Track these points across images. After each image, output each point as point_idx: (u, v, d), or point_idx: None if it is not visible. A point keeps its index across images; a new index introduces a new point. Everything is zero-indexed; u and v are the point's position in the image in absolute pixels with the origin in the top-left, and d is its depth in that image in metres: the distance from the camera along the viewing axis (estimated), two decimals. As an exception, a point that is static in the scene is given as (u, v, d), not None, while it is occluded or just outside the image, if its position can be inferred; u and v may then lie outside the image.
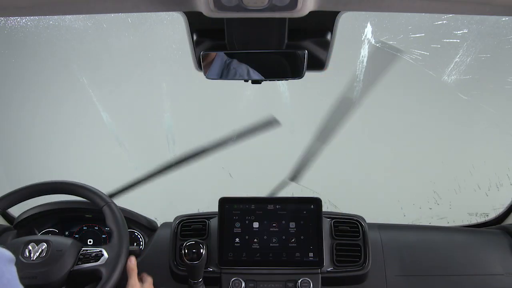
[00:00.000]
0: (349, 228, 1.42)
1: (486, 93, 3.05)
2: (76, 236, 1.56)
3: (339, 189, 2.77)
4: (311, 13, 0.81)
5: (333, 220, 1.43)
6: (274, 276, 1.34)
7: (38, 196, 1.33)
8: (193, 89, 2.85)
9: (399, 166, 3.02)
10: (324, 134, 1.62)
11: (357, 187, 2.96)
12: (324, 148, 1.65)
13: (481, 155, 3.01)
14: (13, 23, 3.03)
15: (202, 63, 1.05)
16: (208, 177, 2.92)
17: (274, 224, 1.39)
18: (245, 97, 2.90)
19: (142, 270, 1.42)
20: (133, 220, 1.49)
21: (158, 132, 3.14)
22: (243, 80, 1.10)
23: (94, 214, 1.50)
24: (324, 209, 1.41)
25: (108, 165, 3.04)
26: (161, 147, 3.08)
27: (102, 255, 1.21)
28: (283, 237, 1.38)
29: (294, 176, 1.64)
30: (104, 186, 1.39)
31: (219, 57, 1.03)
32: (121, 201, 1.49)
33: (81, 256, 1.21)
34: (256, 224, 1.39)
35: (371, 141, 3.04)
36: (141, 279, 1.23)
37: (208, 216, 1.47)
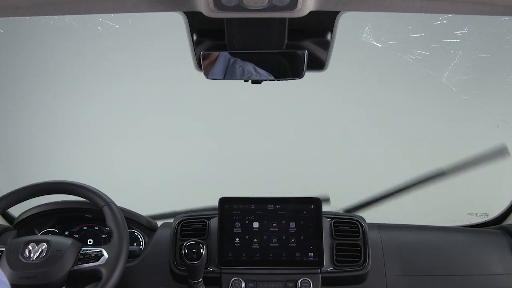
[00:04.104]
0: (349, 228, 1.42)
1: (486, 93, 3.05)
2: (76, 236, 1.56)
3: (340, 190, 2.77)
4: (311, 13, 0.81)
5: (333, 220, 1.43)
6: (274, 276, 1.34)
7: (38, 196, 1.33)
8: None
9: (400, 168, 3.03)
10: (404, 191, 1.65)
11: (358, 189, 2.96)
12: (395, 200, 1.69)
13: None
14: (14, 23, 3.03)
15: (202, 63, 1.05)
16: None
17: (274, 224, 1.39)
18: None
19: (142, 270, 1.42)
20: (133, 220, 1.49)
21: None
22: (243, 80, 1.10)
23: (94, 214, 1.50)
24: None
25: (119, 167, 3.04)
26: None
27: (102, 255, 1.21)
28: (283, 237, 1.38)
29: (356, 209, 1.65)
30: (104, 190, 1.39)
31: (222, 57, 1.03)
32: (120, 202, 1.49)
33: (81, 256, 1.22)
34: (256, 224, 1.39)
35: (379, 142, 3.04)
36: None
37: (208, 216, 1.47)
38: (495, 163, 1.65)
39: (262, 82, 1.10)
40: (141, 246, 1.53)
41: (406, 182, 1.69)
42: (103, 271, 1.17)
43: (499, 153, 1.63)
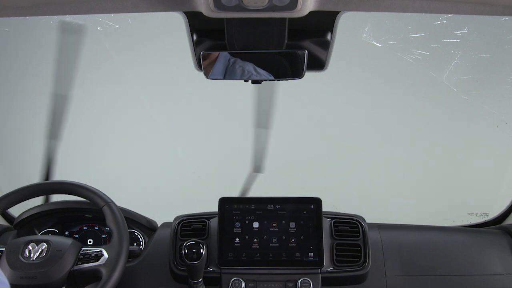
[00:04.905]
0: (349, 228, 1.42)
1: (486, 93, 3.05)
2: (76, 236, 1.56)
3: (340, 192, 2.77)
4: (311, 13, 0.81)
5: (333, 220, 1.43)
6: (274, 276, 1.34)
7: (38, 196, 1.33)
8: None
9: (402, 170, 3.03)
10: (262, 119, 1.62)
11: (358, 189, 2.96)
12: (267, 132, 1.64)
13: (480, 156, 3.01)
14: (14, 23, 3.03)
15: (202, 63, 1.05)
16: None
17: (274, 224, 1.39)
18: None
19: (142, 270, 1.42)
20: (133, 220, 1.49)
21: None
22: (243, 80, 1.10)
23: (94, 214, 1.50)
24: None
25: (111, 165, 3.05)
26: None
27: (102, 255, 1.21)
28: (283, 237, 1.38)
29: (257, 167, 1.63)
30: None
31: (222, 57, 1.03)
32: (120, 202, 1.49)
33: (81, 256, 1.22)
34: (256, 224, 1.39)
35: (380, 142, 3.04)
36: None
37: (208, 216, 1.47)
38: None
39: (262, 82, 1.10)
40: (141, 246, 1.53)
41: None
42: (103, 271, 1.17)
43: None
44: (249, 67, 1.05)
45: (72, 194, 1.33)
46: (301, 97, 3.00)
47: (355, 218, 1.45)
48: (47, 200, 1.57)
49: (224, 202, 1.41)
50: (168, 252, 1.41)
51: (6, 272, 1.14)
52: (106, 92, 3.13)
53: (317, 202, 1.40)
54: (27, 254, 1.17)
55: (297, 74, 1.06)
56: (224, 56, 1.03)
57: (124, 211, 1.43)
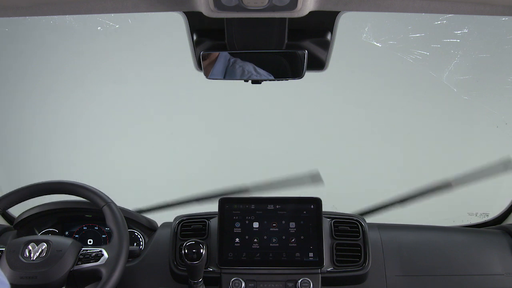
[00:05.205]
0: (349, 228, 1.42)
1: (486, 93, 3.05)
2: (76, 236, 1.56)
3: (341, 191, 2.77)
4: (311, 13, 0.81)
5: (333, 220, 1.43)
6: (274, 276, 1.34)
7: (38, 196, 1.33)
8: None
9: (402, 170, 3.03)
10: (461, 181, 1.63)
11: (358, 189, 2.96)
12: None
13: (480, 156, 3.01)
14: (14, 23, 3.03)
15: (202, 63, 1.05)
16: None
17: (274, 224, 1.39)
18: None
19: (142, 270, 1.42)
20: (133, 220, 1.49)
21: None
22: (243, 80, 1.10)
23: (94, 214, 1.50)
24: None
25: (109, 165, 3.05)
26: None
27: (102, 255, 1.21)
28: (283, 237, 1.38)
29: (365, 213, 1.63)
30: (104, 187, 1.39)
31: (222, 57, 1.03)
32: (120, 202, 1.49)
33: (81, 256, 1.22)
34: (256, 224, 1.39)
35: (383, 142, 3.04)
36: None
37: (208, 216, 1.47)
38: (501, 175, 1.64)
39: (262, 82, 1.10)
40: (141, 246, 1.53)
41: (408, 193, 1.67)
42: (103, 271, 1.17)
43: (504, 166, 1.62)
44: (249, 67, 1.05)
45: (72, 194, 1.33)
46: (301, 97, 3.00)
47: (355, 218, 1.45)
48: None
49: (224, 202, 1.41)
50: (168, 252, 1.41)
51: (6, 272, 1.14)
52: (106, 92, 3.13)
53: (317, 202, 1.40)
54: (27, 254, 1.17)
55: (297, 74, 1.06)
56: (224, 56, 1.03)
57: (124, 211, 1.43)
